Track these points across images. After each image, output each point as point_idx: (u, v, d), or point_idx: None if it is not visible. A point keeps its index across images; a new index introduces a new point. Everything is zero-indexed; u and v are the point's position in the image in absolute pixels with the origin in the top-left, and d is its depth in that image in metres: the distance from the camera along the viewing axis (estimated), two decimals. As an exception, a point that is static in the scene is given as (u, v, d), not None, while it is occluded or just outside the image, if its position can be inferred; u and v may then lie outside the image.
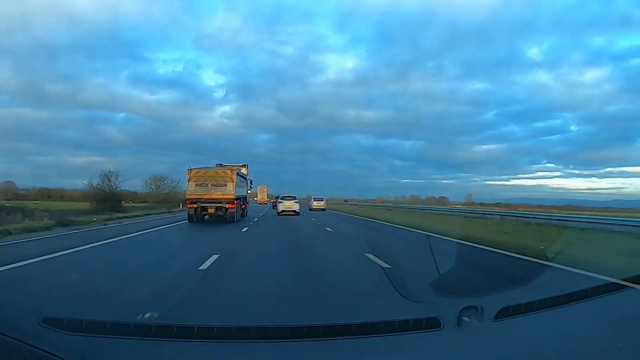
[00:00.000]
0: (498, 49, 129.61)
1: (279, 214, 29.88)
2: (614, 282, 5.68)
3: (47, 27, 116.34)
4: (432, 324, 3.07)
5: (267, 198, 79.51)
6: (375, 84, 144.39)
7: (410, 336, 3.01)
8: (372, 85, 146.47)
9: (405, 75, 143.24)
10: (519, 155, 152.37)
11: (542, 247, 11.84)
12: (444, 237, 15.32)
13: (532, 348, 2.98)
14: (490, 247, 12.72)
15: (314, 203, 42.73)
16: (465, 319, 3.06)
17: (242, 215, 28.46)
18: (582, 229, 18.82)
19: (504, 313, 3.29)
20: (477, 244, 13.58)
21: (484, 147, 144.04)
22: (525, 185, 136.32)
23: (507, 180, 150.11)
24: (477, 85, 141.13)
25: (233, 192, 24.48)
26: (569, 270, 8.71)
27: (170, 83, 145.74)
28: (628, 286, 5.08)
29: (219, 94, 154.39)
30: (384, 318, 3.34)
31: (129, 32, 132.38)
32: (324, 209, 41.21)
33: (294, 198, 32.76)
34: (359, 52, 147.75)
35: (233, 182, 24.58)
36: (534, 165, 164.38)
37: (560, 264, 9.21)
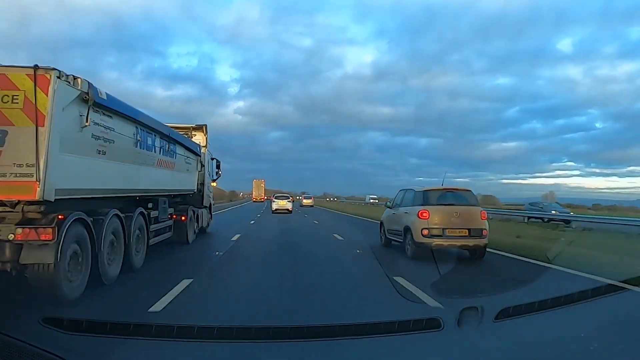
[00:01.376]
0: (528, 41, 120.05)
1: (273, 212, 30.28)
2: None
3: (58, 20, 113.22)
4: (432, 324, 3.06)
5: (265, 195, 63.49)
6: (395, 79, 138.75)
7: (411, 336, 3.00)
8: (392, 81, 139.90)
9: (427, 70, 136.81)
10: (539, 153, 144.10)
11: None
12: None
13: (532, 349, 2.98)
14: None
15: (304, 201, 47.30)
16: (466, 319, 3.06)
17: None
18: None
19: (504, 314, 3.29)
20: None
21: (503, 145, 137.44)
22: (542, 184, 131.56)
23: (524, 179, 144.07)
24: (502, 81, 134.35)
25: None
26: None
27: (184, 78, 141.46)
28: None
29: (234, 89, 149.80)
30: (382, 317, 3.34)
31: (143, 24, 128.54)
32: (312, 206, 44.99)
33: (287, 197, 33.43)
34: (380, 45, 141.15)
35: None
36: (553, 164, 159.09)
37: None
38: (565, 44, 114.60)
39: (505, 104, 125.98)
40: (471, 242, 8.48)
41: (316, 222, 20.98)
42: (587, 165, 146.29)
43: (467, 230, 8.41)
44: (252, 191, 67.34)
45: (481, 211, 8.93)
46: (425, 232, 8.40)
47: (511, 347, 3.07)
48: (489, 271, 7.83)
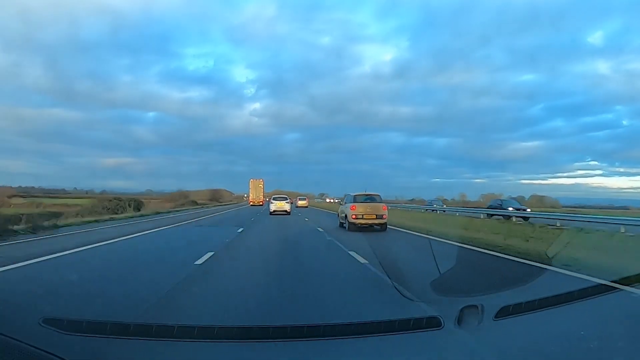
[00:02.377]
0: (557, 34, 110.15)
1: (270, 213, 29.81)
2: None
3: (75, 22, 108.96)
4: (432, 323, 3.07)
5: (264, 197, 56.69)
6: (415, 77, 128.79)
7: (411, 335, 3.01)
8: (411, 79, 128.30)
9: (448, 67, 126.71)
10: (561, 152, 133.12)
11: None
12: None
13: (532, 347, 2.98)
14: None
15: (299, 202, 50.83)
16: (466, 318, 3.06)
17: None
18: None
19: (504, 312, 3.29)
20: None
21: (524, 144, 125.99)
22: (562, 184, 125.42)
23: (544, 179, 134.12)
24: (526, 77, 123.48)
25: None
26: None
27: (200, 80, 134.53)
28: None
29: (250, 90, 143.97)
30: (378, 314, 3.35)
31: (158, 25, 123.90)
32: (306, 206, 49.75)
33: (285, 198, 32.98)
34: (400, 42, 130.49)
35: None
36: (576, 163, 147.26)
37: None
38: (596, 37, 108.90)
39: (529, 102, 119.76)
40: (377, 221, 16.11)
41: (306, 219, 25.32)
42: (611, 164, 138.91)
43: (375, 215, 16.11)
44: (249, 193, 58.59)
45: (383, 205, 16.67)
46: (354, 216, 16.10)
47: (511, 345, 3.08)
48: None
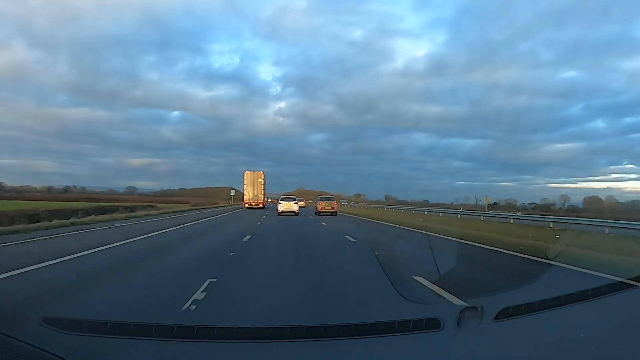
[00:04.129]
0: (608, 26, 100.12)
1: (279, 214, 30.55)
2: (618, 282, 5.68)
3: (97, 17, 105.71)
4: (432, 324, 3.06)
5: (264, 197, 45.07)
6: (448, 74, 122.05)
7: (411, 336, 3.00)
8: (444, 76, 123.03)
9: (485, 63, 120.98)
10: (597, 155, 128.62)
11: None
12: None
13: (533, 349, 2.97)
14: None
15: (300, 203, 53.74)
16: (466, 319, 3.06)
17: None
18: None
19: (505, 314, 3.29)
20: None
21: (558, 146, 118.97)
22: (593, 188, 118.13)
23: (574, 182, 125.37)
24: (570, 73, 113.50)
25: None
26: None
27: (225, 78, 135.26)
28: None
29: (276, 89, 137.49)
30: (384, 317, 3.34)
31: (184, 19, 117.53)
32: (304, 206, 49.36)
33: (294, 199, 33.62)
34: (436, 36, 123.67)
35: None
36: (611, 167, 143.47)
37: None
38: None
39: (569, 100, 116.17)
40: (331, 210, 32.91)
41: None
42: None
43: (331, 208, 33.14)
44: (243, 191, 44.40)
45: (335, 202, 34.77)
46: (319, 208, 33.38)
47: (511, 347, 3.07)
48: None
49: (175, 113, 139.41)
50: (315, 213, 33.13)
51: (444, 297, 5.35)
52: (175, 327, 3.01)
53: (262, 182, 43.00)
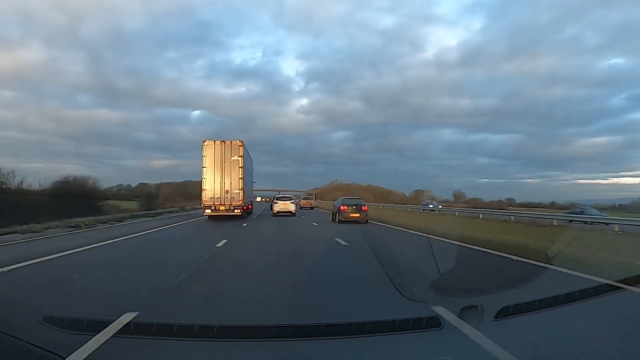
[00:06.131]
0: None
1: (274, 214, 29.35)
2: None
3: (115, 12, 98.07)
4: (432, 323, 3.06)
5: (244, 191, 22.94)
6: (482, 64, 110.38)
7: (411, 335, 3.00)
8: (477, 65, 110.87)
9: (523, 50, 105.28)
10: (634, 149, 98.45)
11: None
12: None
13: (532, 347, 2.97)
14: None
15: (301, 202, 51.21)
16: (466, 318, 3.06)
17: None
18: None
19: (505, 312, 3.29)
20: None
21: (592, 140, 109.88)
22: (624, 184, 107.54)
23: (605, 178, 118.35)
24: (615, 60, 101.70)
25: None
26: None
27: (247, 74, 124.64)
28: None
29: (299, 85, 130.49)
30: (383, 316, 3.34)
31: (204, 12, 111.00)
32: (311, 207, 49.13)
33: (290, 198, 32.35)
34: (472, 23, 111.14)
35: None
36: None
37: None
38: None
39: (611, 90, 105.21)
40: (359, 217, 20.77)
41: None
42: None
43: (359, 213, 20.90)
44: (203, 181, 22.40)
45: (363, 206, 21.56)
46: (341, 212, 20.94)
47: (511, 346, 3.07)
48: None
49: (196, 113, 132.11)
50: (333, 219, 21.86)
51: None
52: (175, 326, 3.01)
53: (240, 162, 22.79)
